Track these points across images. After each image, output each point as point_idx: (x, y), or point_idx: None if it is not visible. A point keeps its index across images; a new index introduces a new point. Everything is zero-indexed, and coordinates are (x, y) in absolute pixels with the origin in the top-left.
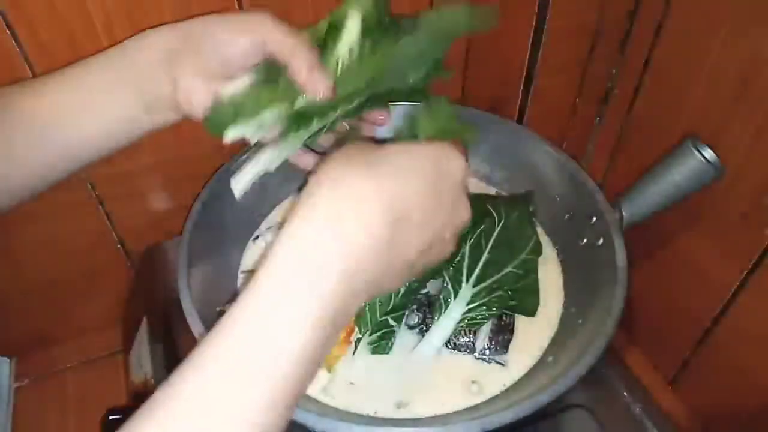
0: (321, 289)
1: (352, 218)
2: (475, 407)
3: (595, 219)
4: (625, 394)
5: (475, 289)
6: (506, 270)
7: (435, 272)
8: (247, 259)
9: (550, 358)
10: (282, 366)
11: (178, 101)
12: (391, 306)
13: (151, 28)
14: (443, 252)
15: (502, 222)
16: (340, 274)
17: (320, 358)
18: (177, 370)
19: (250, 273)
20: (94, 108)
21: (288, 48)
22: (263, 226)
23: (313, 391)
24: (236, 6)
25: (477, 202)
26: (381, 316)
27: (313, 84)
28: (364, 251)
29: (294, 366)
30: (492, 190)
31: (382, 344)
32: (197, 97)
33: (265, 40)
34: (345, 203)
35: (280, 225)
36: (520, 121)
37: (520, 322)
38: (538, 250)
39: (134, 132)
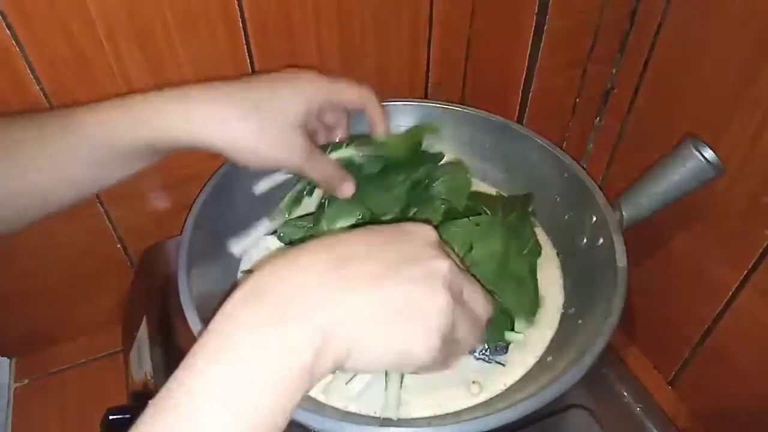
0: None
1: (299, 265)
2: (475, 407)
3: (595, 219)
4: (625, 394)
5: None
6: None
7: None
8: (247, 261)
9: (550, 358)
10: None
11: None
12: None
13: (151, 29)
14: (429, 268)
15: (499, 222)
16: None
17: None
18: None
19: (250, 273)
20: (137, 165)
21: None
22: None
23: (314, 391)
24: (236, 5)
25: (473, 200)
26: None
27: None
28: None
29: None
30: (492, 190)
31: None
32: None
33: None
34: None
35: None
36: (520, 121)
37: (521, 322)
38: (536, 250)
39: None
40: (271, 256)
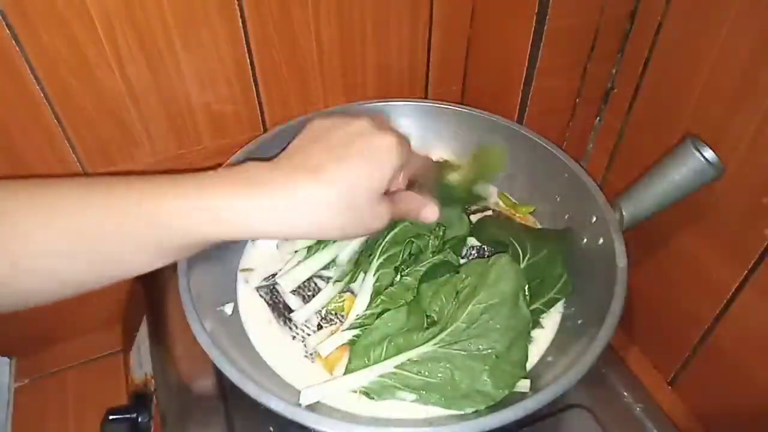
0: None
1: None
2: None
3: (595, 219)
4: (625, 394)
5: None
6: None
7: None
8: (247, 259)
9: (550, 358)
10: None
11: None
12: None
13: (151, 29)
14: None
15: (527, 258)
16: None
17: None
18: None
19: (249, 272)
20: None
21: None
22: None
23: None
24: (236, 5)
25: (503, 230)
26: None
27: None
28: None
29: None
30: (493, 191)
31: None
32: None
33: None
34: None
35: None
36: (520, 121)
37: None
38: (559, 295)
39: None
40: None
